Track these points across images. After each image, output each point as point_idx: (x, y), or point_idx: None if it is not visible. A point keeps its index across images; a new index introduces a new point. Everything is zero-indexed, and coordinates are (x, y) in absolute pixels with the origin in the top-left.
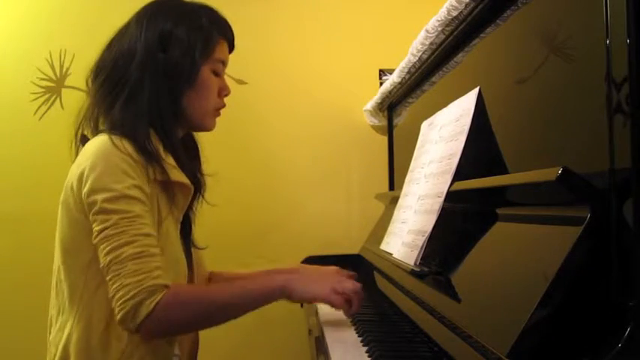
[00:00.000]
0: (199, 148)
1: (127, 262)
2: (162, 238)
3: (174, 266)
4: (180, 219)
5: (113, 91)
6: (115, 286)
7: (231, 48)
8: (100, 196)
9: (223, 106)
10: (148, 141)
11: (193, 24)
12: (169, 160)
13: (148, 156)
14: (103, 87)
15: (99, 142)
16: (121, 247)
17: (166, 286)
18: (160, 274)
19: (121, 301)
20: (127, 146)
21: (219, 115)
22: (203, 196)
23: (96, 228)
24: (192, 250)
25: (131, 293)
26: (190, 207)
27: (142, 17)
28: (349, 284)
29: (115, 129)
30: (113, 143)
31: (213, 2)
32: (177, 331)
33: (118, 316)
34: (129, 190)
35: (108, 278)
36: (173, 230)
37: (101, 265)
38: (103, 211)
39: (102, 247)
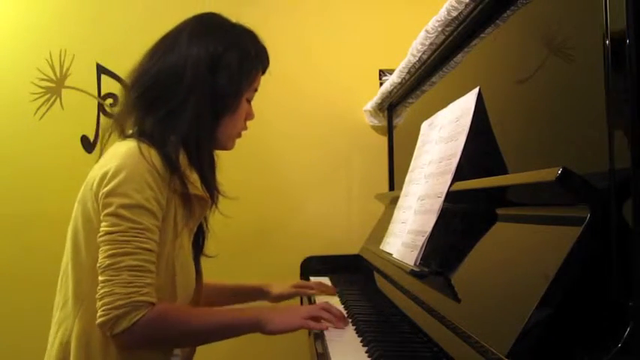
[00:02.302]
0: (216, 162)
1: (123, 271)
2: (177, 248)
3: (185, 276)
4: (195, 230)
5: (152, 105)
6: (104, 290)
7: (263, 74)
8: (116, 200)
9: (246, 129)
10: (176, 155)
11: (243, 52)
12: (193, 176)
13: (173, 169)
14: (143, 96)
15: (127, 147)
16: (122, 255)
17: (152, 304)
18: (148, 291)
19: (105, 307)
20: (154, 156)
21: (240, 137)
22: (217, 206)
23: (104, 228)
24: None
25: (117, 303)
26: (204, 218)
27: (193, 33)
28: (315, 307)
29: (144, 136)
30: (141, 151)
31: (215, 2)
32: (150, 347)
33: (99, 320)
34: (146, 202)
35: (100, 279)
36: (187, 241)
37: (98, 264)
38: (115, 215)
39: (104, 248)
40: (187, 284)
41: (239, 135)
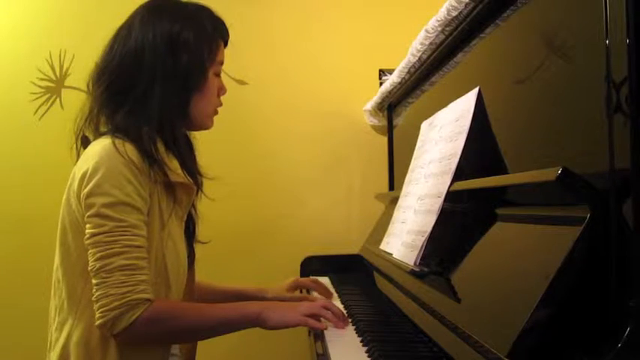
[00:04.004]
0: (193, 144)
1: (115, 272)
2: (165, 237)
3: (176, 265)
4: (184, 218)
5: (119, 96)
6: (99, 292)
7: (225, 46)
8: (98, 200)
9: (221, 105)
10: (153, 145)
11: (199, 27)
12: (173, 163)
13: (151, 160)
14: (108, 90)
15: (102, 145)
16: (112, 256)
17: (149, 300)
18: (144, 288)
19: (102, 310)
20: (130, 151)
21: (217, 114)
22: (202, 191)
23: (89, 230)
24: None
25: (113, 304)
26: (193, 205)
27: (147, 18)
28: (315, 304)
29: (118, 132)
30: (116, 147)
31: (215, 2)
32: (151, 344)
33: (98, 322)
34: (127, 198)
35: (94, 282)
36: (176, 229)
37: (89, 267)
38: (98, 215)
39: (93, 250)
40: (179, 273)
41: (215, 112)
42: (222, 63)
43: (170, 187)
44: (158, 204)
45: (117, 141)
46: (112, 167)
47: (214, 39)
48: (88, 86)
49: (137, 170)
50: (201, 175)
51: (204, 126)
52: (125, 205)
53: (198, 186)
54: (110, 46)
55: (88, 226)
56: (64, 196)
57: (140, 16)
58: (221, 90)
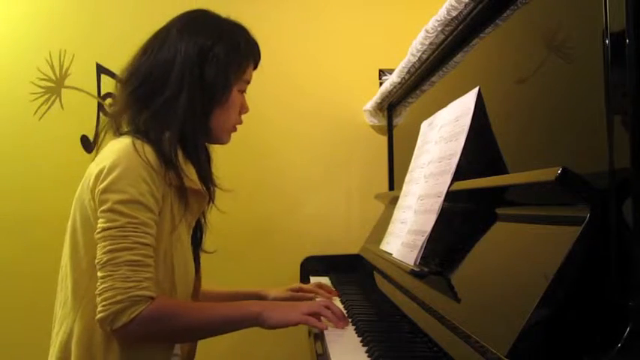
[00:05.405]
0: (211, 156)
1: (122, 266)
2: (174, 241)
3: (183, 270)
4: (193, 224)
5: (145, 99)
6: (104, 285)
7: (255, 68)
8: (113, 196)
9: (241, 123)
10: (173, 150)
11: (231, 44)
12: (189, 170)
13: (168, 163)
14: (135, 93)
15: (122, 144)
16: (121, 250)
17: (151, 298)
18: (147, 285)
19: (105, 302)
20: (148, 152)
21: (235, 130)
22: (213, 202)
23: (101, 225)
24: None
25: (117, 298)
26: (202, 214)
27: (184, 29)
28: (316, 303)
29: (139, 133)
30: (135, 147)
31: (216, 2)
32: (151, 341)
33: (99, 316)
34: (141, 197)
35: (100, 275)
36: (185, 235)
37: (97, 260)
38: (112, 211)
39: (103, 244)
40: (186, 277)
41: (234, 128)
42: (248, 82)
43: (183, 193)
44: (170, 206)
45: (137, 142)
46: (129, 166)
47: (245, 58)
48: (116, 85)
49: (153, 172)
50: (215, 185)
51: (221, 140)
52: (138, 204)
53: (211, 196)
54: (144, 50)
55: (100, 220)
56: (77, 193)
57: (177, 27)
58: (243, 108)
